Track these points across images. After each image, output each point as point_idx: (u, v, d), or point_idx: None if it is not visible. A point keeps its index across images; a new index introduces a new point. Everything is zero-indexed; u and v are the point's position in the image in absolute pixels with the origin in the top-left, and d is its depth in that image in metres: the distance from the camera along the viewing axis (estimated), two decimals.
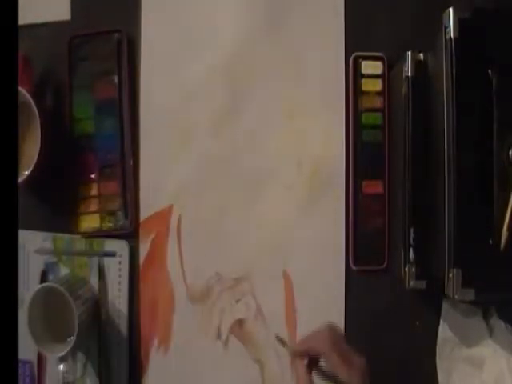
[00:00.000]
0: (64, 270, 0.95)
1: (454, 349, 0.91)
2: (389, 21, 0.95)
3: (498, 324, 0.88)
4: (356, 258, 0.93)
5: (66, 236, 0.95)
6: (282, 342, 0.85)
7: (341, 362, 0.75)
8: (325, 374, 0.78)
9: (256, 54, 0.96)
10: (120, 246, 0.95)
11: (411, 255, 0.84)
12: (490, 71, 0.76)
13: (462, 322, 0.90)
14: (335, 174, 0.94)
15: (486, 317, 0.90)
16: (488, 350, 0.88)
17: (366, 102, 0.94)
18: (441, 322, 0.92)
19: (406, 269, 0.85)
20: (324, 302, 0.93)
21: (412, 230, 0.84)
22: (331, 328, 0.79)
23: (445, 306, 0.91)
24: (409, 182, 0.85)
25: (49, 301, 0.89)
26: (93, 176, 0.95)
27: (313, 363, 0.78)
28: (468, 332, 0.90)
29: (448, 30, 0.76)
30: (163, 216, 0.95)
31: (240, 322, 0.94)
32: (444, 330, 0.91)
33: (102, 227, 0.95)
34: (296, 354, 0.79)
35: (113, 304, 0.95)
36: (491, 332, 0.89)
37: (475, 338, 0.89)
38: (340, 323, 0.92)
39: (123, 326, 0.95)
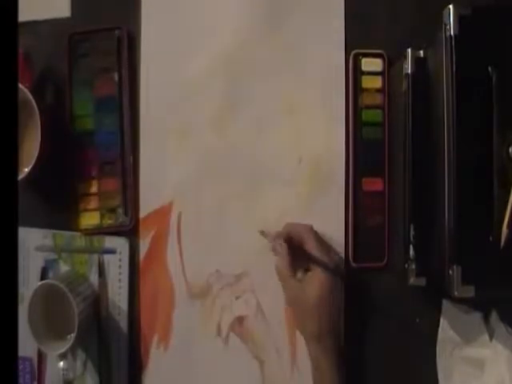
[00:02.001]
0: (64, 267, 0.95)
1: (455, 349, 0.90)
2: (389, 18, 0.95)
3: (499, 326, 0.88)
4: (356, 255, 0.93)
5: (66, 233, 0.95)
6: (263, 234, 0.92)
7: (318, 246, 0.87)
8: (304, 256, 0.88)
9: (256, 51, 0.95)
10: (120, 243, 0.95)
11: (411, 252, 0.84)
12: (489, 68, 0.76)
13: (463, 322, 0.90)
14: (335, 171, 0.94)
15: (487, 319, 0.90)
16: (488, 352, 0.88)
17: (366, 99, 0.94)
18: (441, 321, 0.92)
19: (406, 266, 0.85)
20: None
21: (412, 227, 0.84)
22: (312, 228, 0.90)
23: (445, 305, 0.91)
24: (409, 179, 0.85)
25: (49, 298, 0.89)
26: (93, 173, 0.95)
27: (293, 246, 0.89)
28: (468, 333, 0.90)
29: (448, 27, 0.76)
30: (163, 213, 0.95)
31: (240, 319, 0.94)
32: (444, 330, 0.91)
33: (102, 224, 0.95)
34: (278, 236, 0.90)
35: (113, 301, 0.95)
36: (492, 334, 0.89)
37: (476, 339, 0.89)
38: (340, 319, 0.92)
39: (123, 323, 0.95)
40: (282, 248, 0.88)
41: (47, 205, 0.96)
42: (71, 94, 0.95)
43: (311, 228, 0.90)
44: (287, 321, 0.94)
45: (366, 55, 0.94)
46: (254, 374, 0.94)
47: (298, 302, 0.87)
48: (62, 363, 0.92)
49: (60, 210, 0.96)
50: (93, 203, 0.95)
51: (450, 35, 0.76)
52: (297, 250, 0.88)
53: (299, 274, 0.88)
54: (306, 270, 0.87)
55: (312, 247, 0.87)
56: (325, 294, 0.85)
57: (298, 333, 0.92)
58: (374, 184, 0.94)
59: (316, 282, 0.85)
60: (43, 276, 0.95)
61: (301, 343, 0.92)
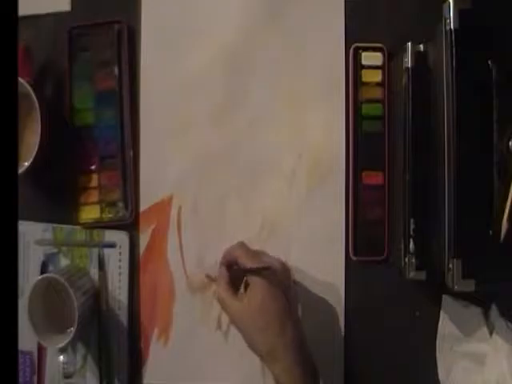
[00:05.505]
0: (64, 261, 0.95)
1: (455, 344, 0.91)
2: (389, 12, 0.94)
3: (499, 321, 0.89)
4: (356, 249, 0.93)
5: (66, 227, 0.95)
6: (210, 278, 0.90)
7: (249, 256, 0.85)
8: (241, 271, 0.85)
9: (256, 45, 0.95)
10: (120, 237, 0.95)
11: (411, 246, 0.84)
12: (489, 62, 0.76)
13: (463, 317, 0.90)
14: (335, 164, 0.94)
15: (487, 313, 0.90)
16: (489, 347, 0.88)
17: (366, 93, 0.94)
18: (441, 316, 0.92)
19: (406, 259, 0.85)
20: (324, 293, 0.93)
21: (412, 221, 0.84)
22: (241, 243, 0.88)
23: (445, 299, 0.91)
24: (409, 173, 0.85)
25: (49, 292, 0.89)
26: (93, 167, 0.95)
27: (230, 267, 0.86)
28: (468, 328, 0.90)
29: (448, 21, 0.76)
30: (163, 206, 0.95)
31: None
32: (444, 325, 0.91)
33: (102, 218, 0.95)
34: (221, 264, 0.87)
35: (113, 295, 0.95)
36: (492, 329, 0.89)
37: (476, 333, 0.89)
38: (340, 314, 0.93)
39: (123, 316, 0.95)
40: (222, 271, 0.86)
41: (47, 198, 0.96)
42: (71, 87, 0.95)
43: (241, 244, 0.88)
44: None
45: (366, 49, 0.94)
46: (254, 368, 0.94)
47: (244, 320, 0.82)
48: (61, 357, 0.93)
49: (60, 203, 0.96)
50: (93, 197, 0.95)
51: (450, 29, 0.76)
52: (234, 270, 0.86)
53: (241, 290, 0.86)
54: (247, 286, 0.84)
55: (244, 259, 0.84)
56: (268, 302, 0.81)
57: None
58: (374, 177, 0.94)
59: (258, 291, 0.81)
60: (43, 270, 0.95)
61: None
